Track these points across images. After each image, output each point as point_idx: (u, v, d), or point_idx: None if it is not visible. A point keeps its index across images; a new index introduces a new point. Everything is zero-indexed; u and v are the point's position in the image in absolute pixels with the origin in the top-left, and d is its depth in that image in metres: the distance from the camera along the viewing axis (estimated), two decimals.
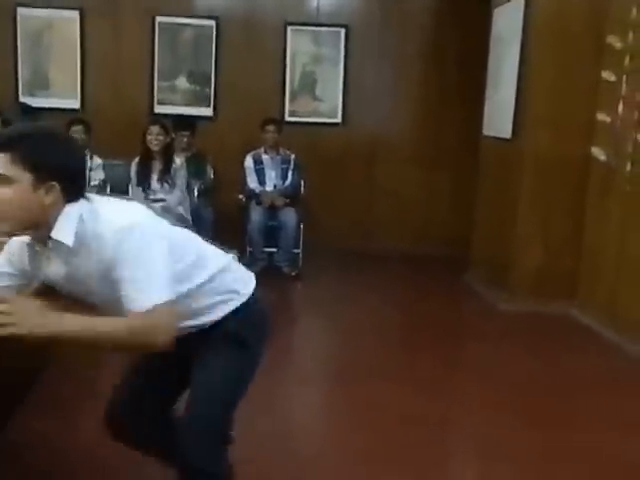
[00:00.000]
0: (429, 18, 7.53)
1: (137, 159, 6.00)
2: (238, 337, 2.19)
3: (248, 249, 6.61)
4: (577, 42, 5.55)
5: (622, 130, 5.27)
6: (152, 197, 5.87)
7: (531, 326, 5.41)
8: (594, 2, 5.51)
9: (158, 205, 5.82)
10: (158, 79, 7.28)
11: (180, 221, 5.87)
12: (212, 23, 7.20)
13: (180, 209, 5.95)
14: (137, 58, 7.22)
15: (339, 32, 7.38)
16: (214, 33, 7.22)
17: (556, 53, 5.56)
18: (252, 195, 6.62)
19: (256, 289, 2.30)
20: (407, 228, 7.53)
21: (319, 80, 7.50)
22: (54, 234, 1.86)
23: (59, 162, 1.86)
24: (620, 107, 5.33)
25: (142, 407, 2.30)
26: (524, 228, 5.80)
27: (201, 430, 2.12)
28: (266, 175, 6.66)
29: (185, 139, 6.54)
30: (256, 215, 6.49)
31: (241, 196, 6.69)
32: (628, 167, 5.17)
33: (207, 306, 2.17)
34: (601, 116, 5.51)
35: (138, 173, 5.98)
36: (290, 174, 6.69)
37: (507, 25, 6.07)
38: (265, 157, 6.68)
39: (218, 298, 2.18)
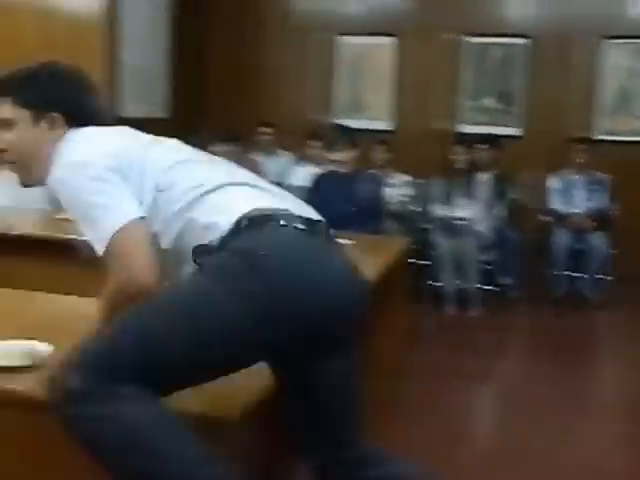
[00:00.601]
0: None
1: (441, 177, 6.15)
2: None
3: (551, 272, 6.39)
4: None
5: None
6: (453, 215, 5.96)
7: None
8: None
9: (459, 223, 5.93)
10: (464, 99, 7.34)
11: (481, 240, 5.91)
12: (523, 41, 7.09)
13: (481, 226, 5.95)
14: (445, 78, 7.33)
15: None
16: (525, 51, 7.11)
17: None
18: (557, 217, 6.40)
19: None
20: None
21: (637, 96, 7.05)
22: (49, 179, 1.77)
23: (56, 94, 1.83)
24: None
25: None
26: None
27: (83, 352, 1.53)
28: (574, 196, 6.41)
29: (485, 153, 6.51)
30: (560, 237, 6.27)
31: (544, 217, 6.50)
32: None
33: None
34: None
35: (442, 190, 6.10)
36: (600, 196, 6.36)
37: None
38: (573, 177, 6.43)
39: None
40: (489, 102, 7.29)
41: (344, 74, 7.54)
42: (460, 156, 6.06)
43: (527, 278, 6.37)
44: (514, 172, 6.58)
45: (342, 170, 4.89)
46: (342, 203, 4.72)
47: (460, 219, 5.98)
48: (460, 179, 6.07)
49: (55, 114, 1.81)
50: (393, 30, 7.34)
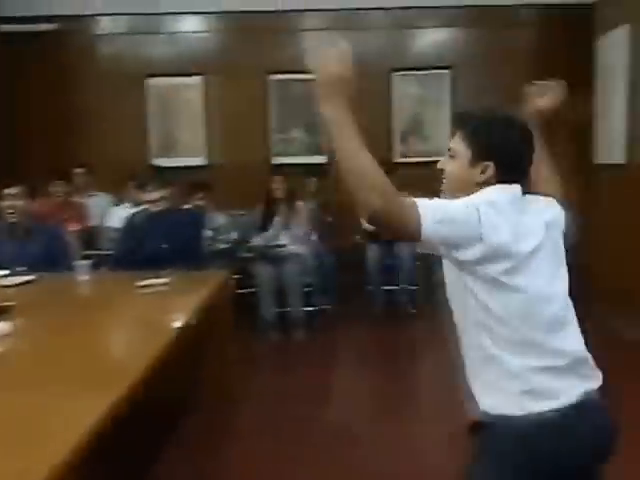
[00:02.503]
0: (532, 53, 7.54)
1: (260, 207, 6.40)
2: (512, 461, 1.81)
3: (366, 287, 6.77)
4: None
5: None
6: (274, 243, 6.23)
7: None
8: None
9: (280, 250, 6.21)
10: (274, 132, 7.68)
11: (303, 264, 6.21)
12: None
13: (301, 249, 6.26)
14: (254, 114, 7.62)
15: (444, 74, 7.58)
16: None
17: None
18: (370, 235, 6.81)
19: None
20: None
21: (426, 122, 7.69)
22: None
23: (497, 143, 1.90)
24: None
25: None
26: None
27: None
28: None
29: (312, 185, 6.94)
30: (372, 253, 6.66)
31: (358, 237, 6.88)
32: None
33: (490, 381, 1.85)
34: None
35: (261, 220, 6.36)
36: None
37: (613, 54, 6.04)
38: None
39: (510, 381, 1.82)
40: (297, 134, 7.68)
41: (156, 115, 7.68)
42: (278, 186, 6.34)
43: (345, 296, 6.75)
44: (328, 197, 6.95)
45: (155, 209, 4.95)
46: (156, 241, 4.77)
47: (281, 246, 6.27)
48: (279, 208, 6.33)
49: (489, 163, 1.89)
50: (200, 70, 7.59)
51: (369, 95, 7.50)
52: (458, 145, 1.93)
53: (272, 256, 6.19)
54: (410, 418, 4.36)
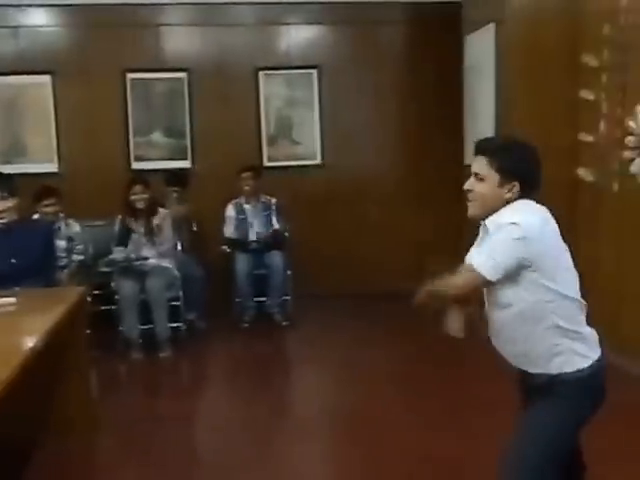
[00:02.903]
0: (402, 51, 7.51)
1: (119, 218, 5.89)
2: (569, 398, 2.36)
3: (236, 299, 6.50)
4: (552, 63, 5.55)
5: (606, 148, 5.22)
6: (136, 256, 5.75)
7: None
8: (566, 22, 5.51)
9: (143, 263, 5.74)
10: (134, 135, 7.20)
11: (169, 277, 5.77)
12: (183, 75, 7.15)
13: (166, 263, 5.83)
14: (111, 116, 7.13)
15: (311, 73, 7.35)
16: (186, 85, 7.17)
17: (532, 76, 5.56)
18: (233, 244, 6.51)
19: (602, 355, 2.42)
20: (397, 266, 7.38)
21: (295, 123, 7.46)
22: (488, 219, 2.38)
23: (522, 169, 2.37)
24: (602, 125, 5.29)
25: None
26: None
27: (512, 471, 2.34)
28: (248, 224, 6.55)
29: (175, 195, 6.48)
30: (241, 264, 6.37)
31: (225, 247, 6.57)
32: (615, 186, 5.11)
33: (546, 348, 2.35)
34: (584, 136, 5.48)
35: (121, 231, 5.85)
36: (274, 220, 6.59)
37: (479, 52, 6.07)
38: (246, 206, 6.59)
39: (559, 346, 2.34)
40: (158, 137, 7.22)
41: (0, 117, 7.02)
42: (139, 195, 5.86)
43: (215, 309, 6.40)
44: (193, 206, 6.58)
45: (1, 221, 4.43)
46: (3, 257, 4.33)
47: (143, 259, 5.79)
48: (141, 218, 5.86)
49: (516, 183, 2.35)
50: (50, 67, 6.98)
51: (235, 95, 7.21)
52: (486, 169, 2.38)
53: (134, 270, 5.71)
54: (284, 437, 4.13)
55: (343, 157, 7.44)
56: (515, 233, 2.24)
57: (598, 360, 2.37)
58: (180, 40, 7.28)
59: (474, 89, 6.23)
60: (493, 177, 2.35)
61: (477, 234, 2.52)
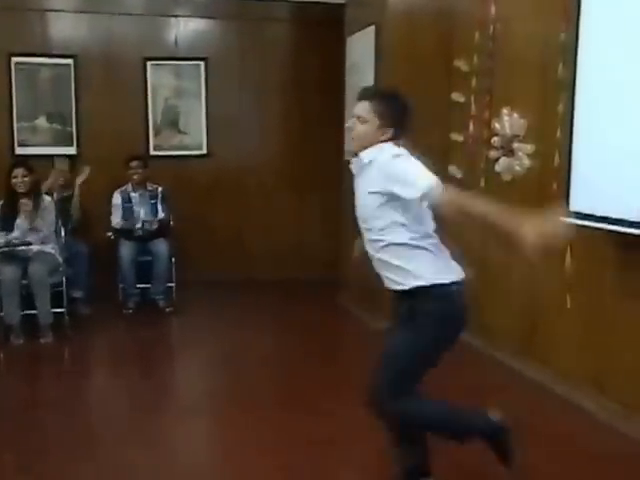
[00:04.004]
0: (288, 48, 7.71)
1: (1, 202, 5.81)
2: (433, 316, 2.68)
3: (120, 286, 6.54)
4: (427, 66, 5.77)
5: (474, 148, 5.51)
6: (18, 241, 5.70)
7: None
8: (441, 29, 5.76)
9: (26, 248, 5.68)
10: (17, 120, 7.08)
11: (52, 263, 5.73)
12: (70, 62, 7.09)
13: (49, 249, 5.80)
14: None
15: (199, 65, 7.45)
16: (72, 71, 7.12)
17: (408, 78, 5.62)
18: (119, 232, 6.55)
19: (462, 283, 2.75)
20: (280, 255, 7.63)
21: (182, 113, 7.54)
22: (361, 154, 2.75)
23: (398, 116, 2.75)
24: (471, 126, 5.55)
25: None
26: None
27: (382, 386, 2.74)
28: (134, 212, 6.59)
29: (62, 178, 6.46)
30: (126, 250, 6.41)
31: (110, 234, 6.60)
32: (482, 183, 5.38)
33: (416, 265, 2.68)
34: (454, 136, 5.74)
35: (4, 216, 5.76)
36: (160, 207, 6.66)
37: (360, 53, 6.25)
38: (133, 194, 6.62)
39: (428, 261, 2.71)
40: (42, 122, 7.13)
41: None
42: (20, 179, 5.78)
43: (99, 295, 6.41)
44: (78, 191, 6.52)
45: None
46: None
47: (25, 244, 5.74)
48: (21, 203, 5.74)
49: (391, 126, 2.73)
50: None
51: (122, 84, 7.21)
52: (367, 113, 2.73)
53: (16, 255, 5.65)
54: (167, 416, 4.21)
55: (228, 147, 7.58)
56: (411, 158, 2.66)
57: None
58: (68, 26, 7.19)
59: (354, 88, 6.40)
60: (373, 120, 2.71)
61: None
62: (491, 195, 5.20)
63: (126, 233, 6.51)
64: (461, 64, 5.66)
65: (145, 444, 3.73)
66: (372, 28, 5.98)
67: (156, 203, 6.66)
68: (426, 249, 2.72)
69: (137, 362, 5.40)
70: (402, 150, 2.69)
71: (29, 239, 5.72)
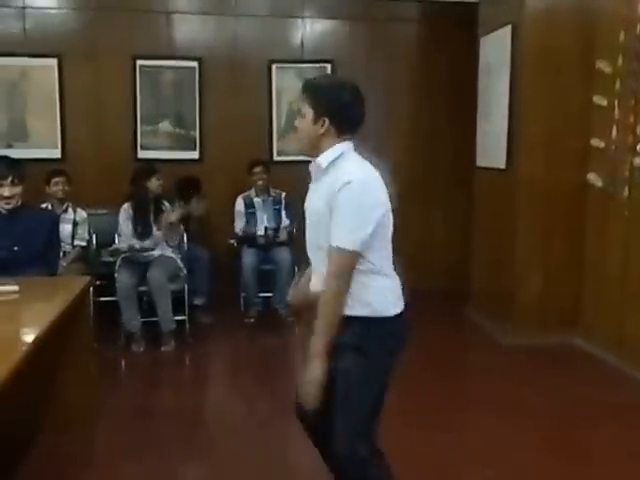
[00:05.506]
0: (416, 49, 7.45)
1: (127, 205, 5.81)
2: (357, 347, 2.44)
3: (242, 294, 6.45)
4: (567, 68, 5.55)
5: (617, 155, 5.22)
6: (140, 246, 5.69)
7: (535, 358, 5.38)
8: (582, 28, 5.52)
9: (147, 254, 5.67)
10: (141, 123, 7.11)
11: (172, 268, 5.70)
12: (194, 64, 7.07)
13: (170, 253, 5.79)
14: (119, 103, 7.02)
15: (325, 68, 7.25)
16: (197, 75, 7.08)
17: (546, 80, 5.55)
18: (242, 239, 6.46)
19: (401, 317, 2.53)
20: (405, 264, 7.31)
21: None
22: (318, 158, 2.46)
23: (332, 106, 2.44)
24: (614, 131, 5.28)
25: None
26: (522, 258, 5.73)
27: (339, 431, 2.47)
28: (258, 218, 6.49)
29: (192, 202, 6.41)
30: (248, 258, 6.31)
31: (232, 240, 6.52)
32: (626, 192, 5.14)
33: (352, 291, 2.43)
34: (595, 141, 5.49)
35: (134, 219, 5.77)
36: (283, 214, 6.54)
37: (495, 54, 6.00)
38: (256, 200, 6.54)
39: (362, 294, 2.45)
40: (166, 126, 7.13)
41: (2, 99, 6.87)
42: (154, 184, 5.78)
43: (220, 303, 6.35)
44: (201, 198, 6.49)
45: (6, 207, 4.34)
46: (6, 243, 4.25)
47: (147, 250, 5.72)
48: (146, 208, 5.76)
49: (325, 118, 2.43)
50: (55, 51, 6.82)
51: (247, 87, 7.13)
52: (303, 106, 2.48)
53: (135, 261, 5.64)
54: (290, 426, 4.00)
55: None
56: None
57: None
58: (192, 29, 7.13)
59: (488, 90, 6.15)
60: (309, 113, 2.47)
61: None
62: (635, 206, 4.95)
63: (248, 240, 6.41)
64: (604, 65, 5.38)
65: (266, 453, 3.67)
66: (509, 28, 5.70)
67: (279, 209, 6.55)
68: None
69: (258, 371, 5.30)
70: (357, 165, 2.46)
71: (151, 244, 5.71)
